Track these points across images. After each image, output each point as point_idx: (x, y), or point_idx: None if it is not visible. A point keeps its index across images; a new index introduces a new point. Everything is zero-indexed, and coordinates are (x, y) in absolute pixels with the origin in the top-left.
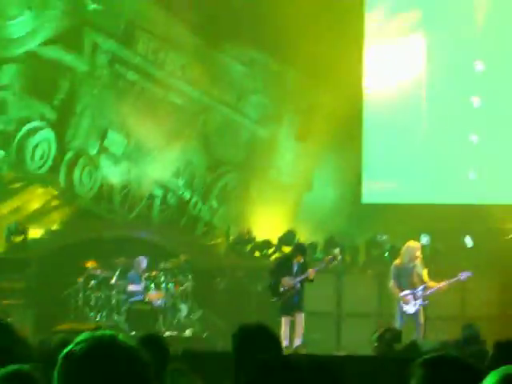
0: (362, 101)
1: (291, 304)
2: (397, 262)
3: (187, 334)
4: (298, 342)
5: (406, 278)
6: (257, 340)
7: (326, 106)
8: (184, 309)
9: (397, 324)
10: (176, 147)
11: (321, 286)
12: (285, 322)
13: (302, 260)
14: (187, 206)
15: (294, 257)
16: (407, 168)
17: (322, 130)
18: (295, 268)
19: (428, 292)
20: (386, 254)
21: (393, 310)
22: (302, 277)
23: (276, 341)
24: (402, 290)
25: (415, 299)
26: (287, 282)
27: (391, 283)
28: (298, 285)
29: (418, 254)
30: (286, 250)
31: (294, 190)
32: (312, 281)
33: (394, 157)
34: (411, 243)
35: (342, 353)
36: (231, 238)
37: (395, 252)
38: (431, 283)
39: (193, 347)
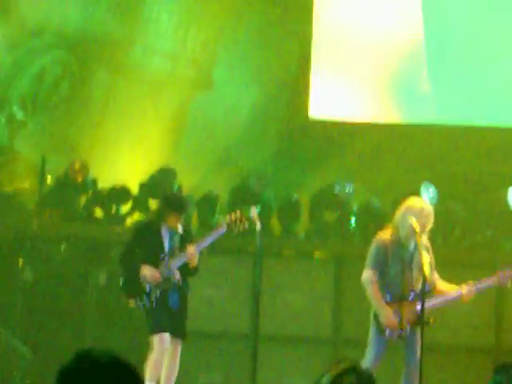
0: None
1: (166, 311)
2: (383, 236)
3: None
4: None
5: (398, 269)
6: None
7: None
8: None
9: (369, 358)
10: None
11: (218, 279)
12: (165, 343)
13: (180, 224)
14: None
15: (165, 217)
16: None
17: None
18: (167, 241)
19: (435, 301)
20: (353, 221)
21: (363, 331)
22: (182, 259)
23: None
24: (388, 292)
25: (413, 312)
26: (148, 269)
27: (369, 276)
28: (176, 273)
29: (426, 225)
30: (155, 206)
31: (176, 87)
32: (194, 270)
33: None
34: (415, 203)
35: None
36: (49, 178)
37: (370, 215)
38: (440, 284)
39: None
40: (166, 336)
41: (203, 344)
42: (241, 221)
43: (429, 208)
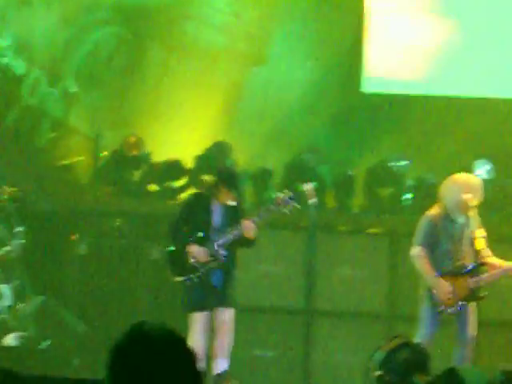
0: None
1: (209, 289)
2: (432, 212)
3: (11, 342)
4: (221, 364)
5: (448, 245)
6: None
7: None
8: (7, 293)
9: (422, 334)
10: None
11: (272, 254)
12: (198, 323)
13: (231, 200)
14: (18, 87)
15: (217, 192)
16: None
17: None
18: (217, 217)
19: (487, 276)
20: (407, 196)
21: (415, 306)
22: (230, 236)
23: (190, 358)
24: (440, 269)
25: (465, 287)
26: (195, 250)
27: (417, 252)
28: (223, 252)
29: (476, 200)
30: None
31: (230, 62)
32: (251, 243)
33: None
34: (462, 177)
35: None
36: (104, 153)
37: (427, 192)
38: (492, 260)
39: (21, 369)
40: (201, 316)
41: (257, 318)
42: (291, 201)
43: (474, 181)
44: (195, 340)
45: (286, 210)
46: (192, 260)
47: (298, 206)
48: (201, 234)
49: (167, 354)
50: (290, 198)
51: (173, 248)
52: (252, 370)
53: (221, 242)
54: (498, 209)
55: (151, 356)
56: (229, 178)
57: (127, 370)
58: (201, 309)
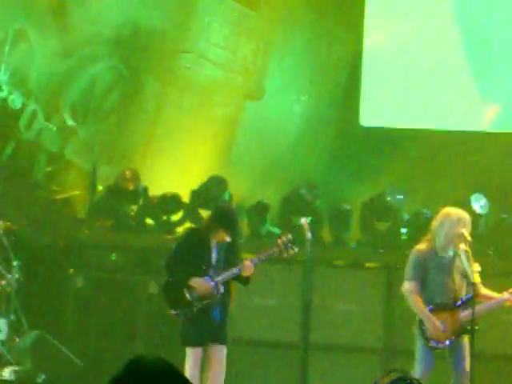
0: None
1: (206, 324)
2: (421, 246)
3: (6, 377)
4: None
5: (439, 278)
6: None
7: None
8: (3, 327)
9: (419, 368)
10: None
11: (268, 288)
12: (194, 356)
13: (228, 238)
14: (15, 122)
15: (214, 231)
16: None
17: None
18: (214, 253)
19: (479, 308)
20: (403, 231)
21: (412, 341)
22: (230, 274)
23: None
24: (431, 302)
25: (457, 320)
26: (200, 282)
27: (408, 287)
28: (222, 288)
29: (466, 233)
30: (206, 215)
31: (227, 96)
32: (247, 281)
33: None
34: (453, 210)
35: None
36: (99, 187)
37: (421, 225)
38: (486, 292)
39: None
40: (199, 350)
41: (253, 352)
42: (291, 245)
43: (465, 216)
44: (191, 373)
45: (286, 255)
46: (188, 294)
47: (296, 251)
48: (203, 267)
49: None
50: (290, 242)
51: (169, 281)
52: None
53: (220, 278)
54: (494, 243)
55: None
56: (225, 219)
57: None
58: (197, 344)
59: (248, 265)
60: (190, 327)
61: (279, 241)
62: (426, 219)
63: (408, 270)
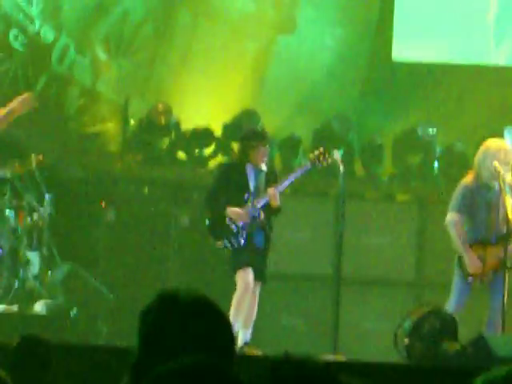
0: None
1: (253, 250)
2: (467, 179)
3: (38, 311)
4: (247, 334)
5: (485, 213)
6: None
7: None
8: (34, 260)
9: (452, 302)
10: None
11: (300, 221)
12: (247, 276)
13: (263, 156)
14: (47, 55)
15: (248, 156)
16: None
17: None
18: (252, 181)
19: None
20: (435, 164)
21: (446, 275)
22: (263, 199)
23: (222, 322)
24: (474, 237)
25: (495, 256)
26: (237, 212)
27: (452, 218)
28: (260, 214)
29: (509, 162)
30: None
31: (259, 28)
32: (276, 210)
33: None
34: (493, 143)
35: (340, 357)
36: (132, 121)
37: (453, 159)
38: None
39: (49, 336)
40: (250, 271)
41: (285, 286)
42: (324, 156)
43: (507, 147)
44: (242, 296)
45: (321, 166)
46: (232, 225)
47: (330, 161)
48: (245, 196)
49: (199, 317)
50: (323, 154)
51: (212, 215)
52: (279, 338)
53: (258, 203)
54: None
55: (183, 319)
56: (256, 135)
57: (158, 334)
58: (247, 264)
59: (272, 192)
60: (237, 253)
61: (311, 155)
62: (459, 153)
63: (454, 202)
